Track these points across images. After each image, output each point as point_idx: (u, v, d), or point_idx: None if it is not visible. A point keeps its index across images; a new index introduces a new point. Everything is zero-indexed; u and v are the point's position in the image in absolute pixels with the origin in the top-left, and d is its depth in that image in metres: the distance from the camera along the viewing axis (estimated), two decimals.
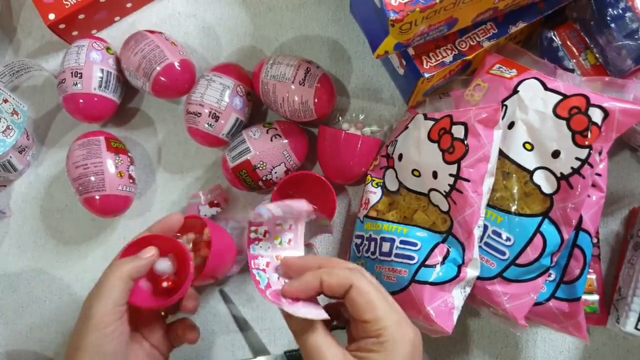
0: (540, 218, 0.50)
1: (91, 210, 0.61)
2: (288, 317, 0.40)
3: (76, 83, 0.60)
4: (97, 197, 0.60)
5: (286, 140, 0.60)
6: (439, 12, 0.48)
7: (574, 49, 0.57)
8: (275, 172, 0.60)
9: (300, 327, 0.40)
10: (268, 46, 0.67)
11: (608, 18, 0.53)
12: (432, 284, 0.50)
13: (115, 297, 0.41)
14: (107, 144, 0.61)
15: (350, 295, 0.39)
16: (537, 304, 0.52)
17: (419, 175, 0.55)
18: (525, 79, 0.52)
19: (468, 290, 0.52)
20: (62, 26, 0.63)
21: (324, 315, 0.40)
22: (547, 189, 0.50)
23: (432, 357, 0.63)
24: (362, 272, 0.41)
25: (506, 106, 0.52)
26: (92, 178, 0.59)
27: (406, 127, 0.58)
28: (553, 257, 0.51)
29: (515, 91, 0.52)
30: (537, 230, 0.50)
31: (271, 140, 0.60)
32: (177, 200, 0.66)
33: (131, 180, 0.62)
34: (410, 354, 0.38)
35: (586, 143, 0.49)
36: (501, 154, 0.52)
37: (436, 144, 0.53)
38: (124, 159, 0.61)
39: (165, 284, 0.45)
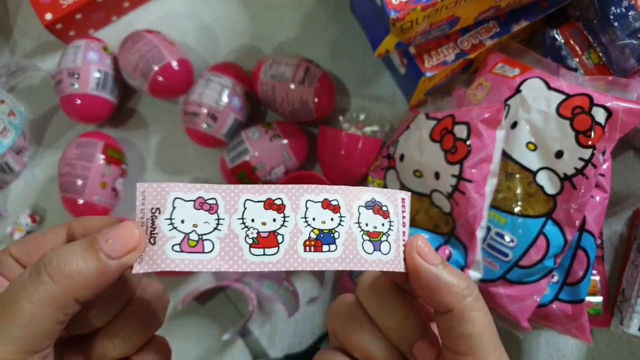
0: (543, 219, 0.50)
1: (67, 209, 0.61)
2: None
3: (73, 83, 0.60)
4: (74, 200, 0.59)
5: (286, 141, 0.60)
6: (440, 11, 0.47)
7: (577, 48, 0.57)
8: (275, 173, 0.59)
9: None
10: (267, 45, 0.66)
11: (611, 17, 0.52)
12: None
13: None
14: (104, 151, 0.60)
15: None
16: (540, 306, 0.52)
17: (421, 176, 0.54)
18: (528, 78, 0.52)
19: None
20: (59, 26, 0.62)
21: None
22: (551, 189, 0.50)
23: None
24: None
25: (509, 106, 0.52)
26: (75, 180, 0.59)
27: (408, 127, 0.58)
28: (556, 259, 0.50)
29: (518, 90, 0.52)
30: (540, 231, 0.50)
31: (270, 140, 0.59)
32: None
33: (114, 193, 0.61)
34: None
35: (589, 143, 0.48)
36: (504, 154, 0.51)
37: (438, 144, 0.52)
38: (113, 170, 0.60)
39: None
